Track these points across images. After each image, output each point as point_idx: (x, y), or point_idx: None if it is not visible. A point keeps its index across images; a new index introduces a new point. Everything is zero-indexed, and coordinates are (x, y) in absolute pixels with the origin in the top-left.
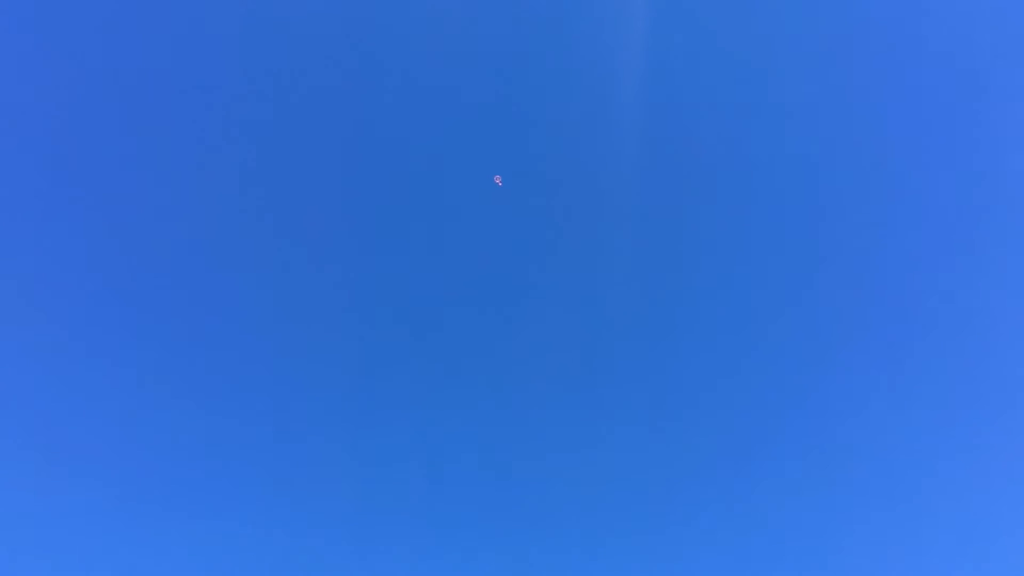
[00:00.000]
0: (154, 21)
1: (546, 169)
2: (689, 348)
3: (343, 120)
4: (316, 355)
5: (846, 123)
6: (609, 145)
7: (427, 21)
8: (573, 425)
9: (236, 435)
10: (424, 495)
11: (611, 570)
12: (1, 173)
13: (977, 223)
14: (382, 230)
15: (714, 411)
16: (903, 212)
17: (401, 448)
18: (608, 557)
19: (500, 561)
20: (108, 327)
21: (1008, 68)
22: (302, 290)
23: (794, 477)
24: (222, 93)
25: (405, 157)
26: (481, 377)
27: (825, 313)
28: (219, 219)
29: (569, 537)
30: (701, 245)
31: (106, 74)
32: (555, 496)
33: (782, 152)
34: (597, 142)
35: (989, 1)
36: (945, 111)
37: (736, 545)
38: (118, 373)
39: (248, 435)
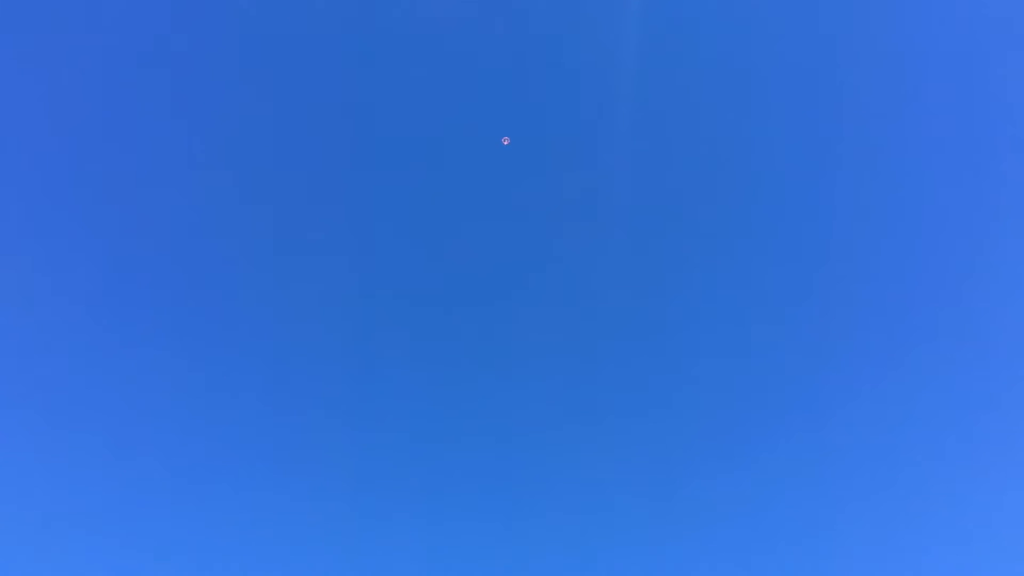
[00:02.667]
0: (154, 19)
1: (542, 161)
2: (686, 339)
3: (338, 118)
4: (316, 347)
5: (845, 119)
6: (606, 139)
7: (420, 17)
8: (570, 417)
9: (226, 421)
10: (422, 484)
11: (607, 560)
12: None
13: (978, 221)
14: (382, 229)
15: (713, 402)
16: (901, 211)
17: (400, 438)
18: (605, 548)
19: (498, 554)
20: (108, 317)
21: (1009, 67)
22: (296, 277)
23: (792, 470)
24: (215, 87)
25: (400, 154)
26: (478, 366)
27: (823, 307)
28: (217, 203)
29: (565, 524)
30: (700, 237)
31: (105, 72)
32: (552, 488)
33: (780, 146)
34: (594, 135)
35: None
36: (946, 109)
37: (734, 536)
38: (119, 362)
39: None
